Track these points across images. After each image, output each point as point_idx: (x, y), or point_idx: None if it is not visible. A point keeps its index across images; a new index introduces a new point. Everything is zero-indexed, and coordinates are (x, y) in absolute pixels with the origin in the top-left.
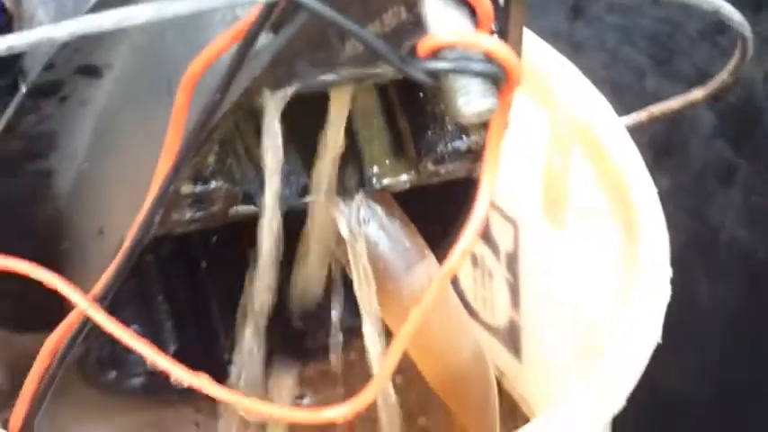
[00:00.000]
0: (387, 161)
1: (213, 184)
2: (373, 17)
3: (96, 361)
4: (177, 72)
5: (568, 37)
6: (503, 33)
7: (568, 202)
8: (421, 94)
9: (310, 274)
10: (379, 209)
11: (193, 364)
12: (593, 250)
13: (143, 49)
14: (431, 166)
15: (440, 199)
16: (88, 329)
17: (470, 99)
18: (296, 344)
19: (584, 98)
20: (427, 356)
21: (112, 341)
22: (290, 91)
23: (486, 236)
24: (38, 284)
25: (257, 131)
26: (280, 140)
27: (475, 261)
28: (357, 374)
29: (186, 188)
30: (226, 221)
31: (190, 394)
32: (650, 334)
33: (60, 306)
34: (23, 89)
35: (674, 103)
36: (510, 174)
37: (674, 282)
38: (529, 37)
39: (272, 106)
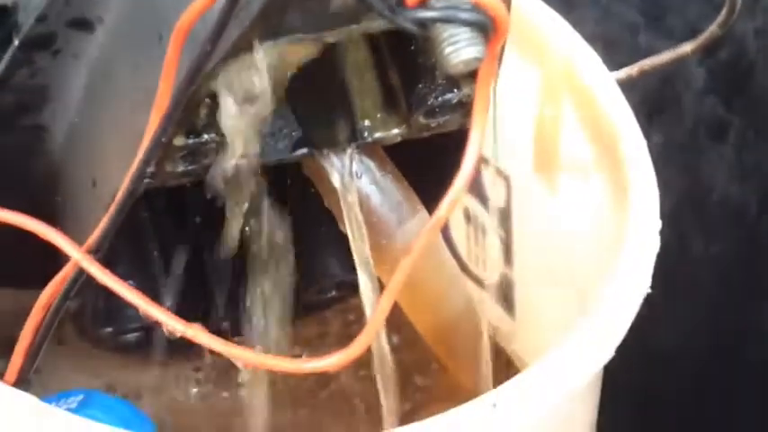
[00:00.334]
0: (378, 115)
1: (205, 137)
2: None
3: (92, 316)
4: (168, 24)
5: None
6: None
7: (560, 157)
8: (412, 48)
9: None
10: (371, 164)
11: (188, 319)
12: (584, 203)
13: (134, 1)
14: (422, 120)
15: (432, 153)
16: (82, 282)
17: (457, 48)
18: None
19: (576, 53)
20: (419, 309)
21: (108, 296)
22: (280, 43)
23: (478, 192)
24: (33, 239)
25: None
26: (269, 93)
27: (468, 217)
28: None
29: (178, 141)
30: None
31: (188, 352)
32: (640, 284)
33: (55, 263)
34: (16, 42)
35: (664, 56)
36: (502, 130)
37: (667, 237)
38: None
39: (263, 58)
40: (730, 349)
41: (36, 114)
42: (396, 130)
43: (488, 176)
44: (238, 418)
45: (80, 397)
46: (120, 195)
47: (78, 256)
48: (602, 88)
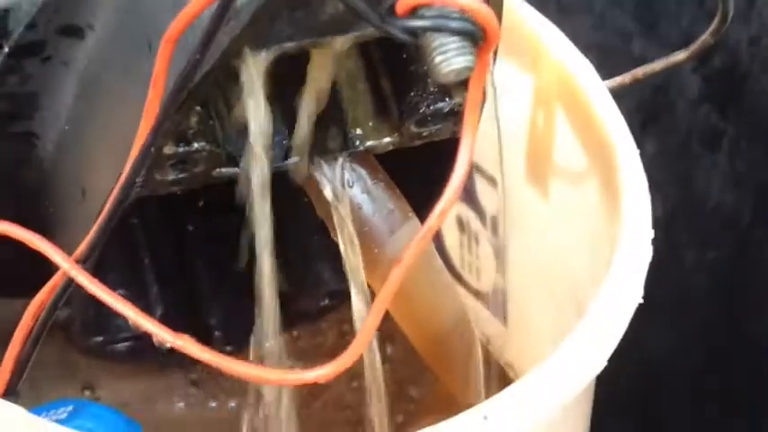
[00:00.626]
0: (370, 123)
1: (196, 145)
2: None
3: (82, 325)
4: (158, 32)
5: (556, 0)
6: None
7: (552, 165)
8: (404, 56)
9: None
10: (363, 172)
11: (179, 328)
12: (577, 211)
13: (124, 9)
14: (414, 128)
15: (424, 161)
16: (71, 291)
17: (448, 57)
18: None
19: (569, 61)
20: (411, 319)
21: (98, 305)
22: (271, 52)
23: (471, 199)
24: (22, 247)
25: (240, 93)
26: (262, 102)
27: (461, 226)
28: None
29: (169, 149)
30: (209, 183)
31: (178, 362)
32: (632, 294)
33: (45, 271)
34: (6, 49)
35: (657, 65)
36: (495, 138)
37: (660, 246)
38: (514, 0)
39: (253, 66)
40: (723, 358)
41: (26, 122)
42: (387, 139)
43: (481, 184)
44: (228, 427)
45: (70, 407)
46: (109, 204)
47: (67, 266)
48: (595, 96)
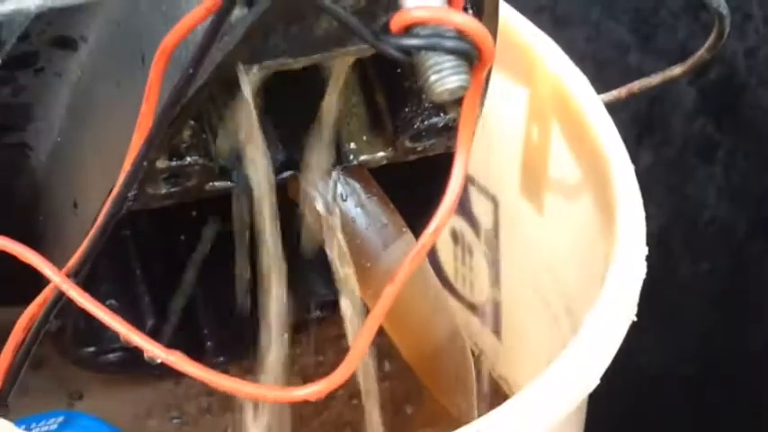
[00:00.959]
0: (364, 137)
1: (189, 159)
2: None
3: (73, 336)
4: (151, 45)
5: (551, 11)
6: (477, 9)
7: (547, 179)
8: (398, 71)
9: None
10: (356, 186)
11: (171, 339)
12: (571, 225)
13: (117, 21)
14: (408, 143)
15: (418, 175)
16: (62, 304)
17: (442, 76)
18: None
19: (564, 74)
20: (404, 335)
21: (88, 317)
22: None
23: (466, 212)
24: (14, 259)
25: (233, 107)
26: (254, 116)
27: (455, 238)
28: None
29: (161, 163)
30: (202, 196)
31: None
32: (624, 313)
33: (36, 281)
34: None
35: (653, 79)
36: (490, 151)
37: (655, 258)
38: (508, 11)
39: (247, 82)
40: (719, 370)
41: (19, 133)
42: (381, 153)
43: (475, 197)
44: None
45: (60, 418)
46: (101, 218)
47: (58, 280)
48: (589, 110)
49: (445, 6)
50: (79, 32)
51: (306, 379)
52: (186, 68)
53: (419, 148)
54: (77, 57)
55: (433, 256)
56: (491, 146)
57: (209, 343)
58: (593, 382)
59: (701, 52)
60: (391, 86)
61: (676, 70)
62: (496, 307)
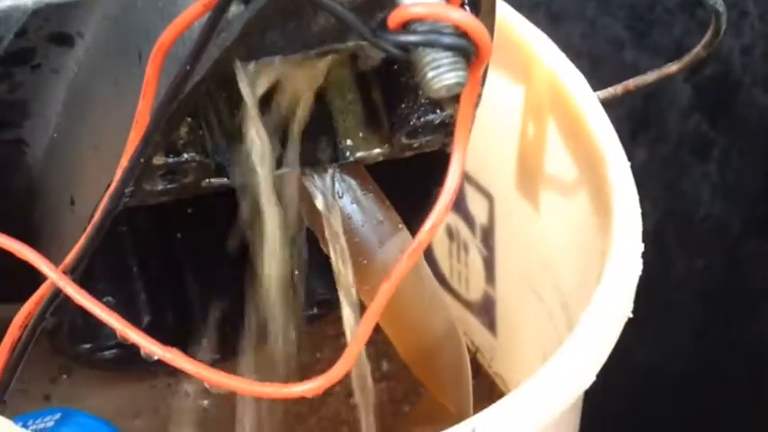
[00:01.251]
0: (360, 134)
1: (185, 156)
2: None
3: (69, 333)
4: (148, 42)
5: (547, 7)
6: (474, 5)
7: (543, 175)
8: (395, 67)
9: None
10: (353, 182)
11: (167, 336)
12: (567, 222)
13: (114, 18)
14: (404, 140)
15: (414, 172)
16: (59, 301)
17: (439, 73)
18: None
19: (560, 71)
20: (400, 332)
21: (85, 313)
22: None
23: (461, 209)
24: (9, 255)
25: (231, 104)
26: (254, 113)
27: (450, 234)
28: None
29: (158, 160)
30: (198, 193)
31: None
32: (621, 310)
33: (34, 277)
34: None
35: (649, 77)
36: (485, 147)
37: (650, 254)
38: (505, 9)
39: (244, 78)
40: (713, 366)
41: (16, 129)
42: (377, 150)
43: (471, 193)
44: None
45: (57, 416)
46: (98, 215)
47: (55, 277)
48: (586, 107)
49: (443, 3)
50: (76, 29)
51: (303, 377)
52: (183, 65)
53: (415, 145)
54: (74, 53)
55: (428, 252)
56: (487, 142)
57: (205, 340)
58: (589, 379)
59: (698, 50)
60: (387, 83)
61: (672, 67)
62: (492, 303)
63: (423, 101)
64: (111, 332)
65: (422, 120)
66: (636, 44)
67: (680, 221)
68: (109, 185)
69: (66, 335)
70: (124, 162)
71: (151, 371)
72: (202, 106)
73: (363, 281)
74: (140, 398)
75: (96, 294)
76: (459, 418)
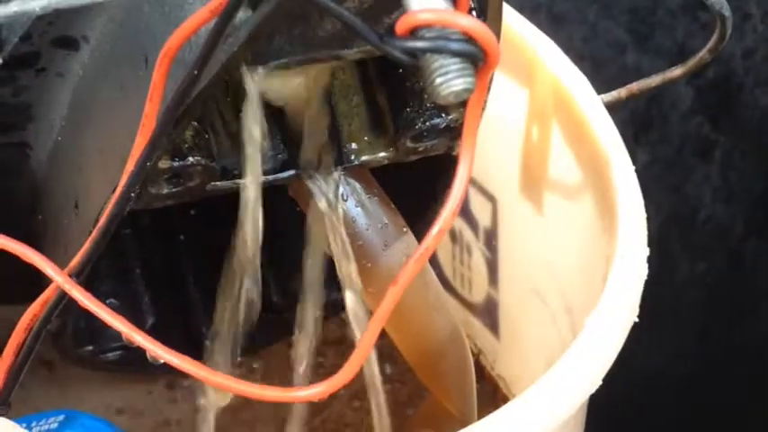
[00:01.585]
0: (365, 137)
1: (191, 160)
2: None
3: (73, 335)
4: (155, 47)
5: (548, 9)
6: (481, 11)
7: (547, 179)
8: (400, 71)
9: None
10: (357, 185)
11: (170, 338)
12: (571, 226)
13: (120, 22)
14: (409, 143)
15: (419, 175)
16: (64, 304)
17: (447, 79)
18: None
19: (564, 74)
20: (404, 335)
21: (88, 316)
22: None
23: (465, 212)
24: (15, 258)
25: (236, 107)
26: (260, 117)
27: (454, 237)
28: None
29: (163, 163)
30: (203, 196)
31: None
32: (626, 314)
33: (39, 279)
34: (0, 60)
35: (652, 80)
36: (489, 150)
37: (653, 257)
38: (508, 11)
39: (251, 83)
40: (716, 368)
41: (20, 132)
42: (382, 154)
43: (474, 196)
44: None
45: (61, 417)
46: (103, 219)
47: (60, 280)
48: (590, 111)
49: (451, 9)
50: (81, 33)
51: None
52: (190, 70)
53: (420, 149)
54: (79, 57)
55: (431, 255)
56: (490, 145)
57: (208, 342)
58: (595, 384)
59: (702, 54)
60: (393, 87)
61: (677, 71)
62: (495, 306)
63: (428, 105)
64: (115, 334)
65: (427, 123)
66: (638, 47)
67: (682, 223)
68: (114, 189)
69: (70, 337)
70: (130, 166)
71: (155, 373)
72: (208, 110)
73: (368, 284)
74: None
75: (100, 296)
76: (463, 421)
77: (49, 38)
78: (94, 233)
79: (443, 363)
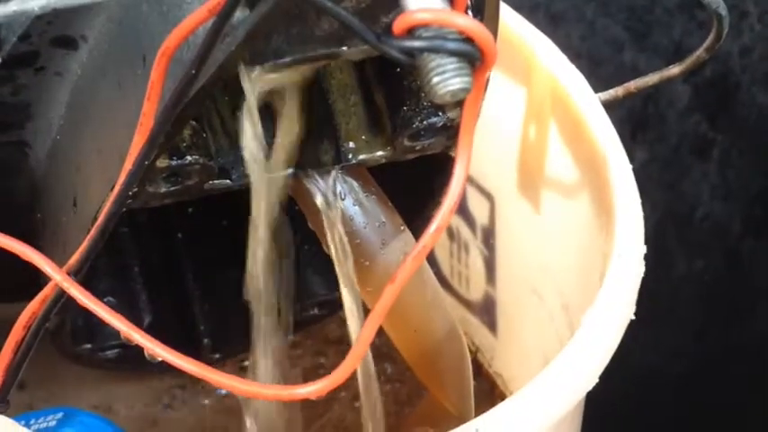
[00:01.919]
0: (363, 136)
1: (189, 159)
2: None
3: (71, 333)
4: (153, 46)
5: (546, 8)
6: (478, 10)
7: (544, 177)
8: (398, 70)
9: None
10: (355, 184)
11: (168, 336)
12: (568, 224)
13: (119, 21)
14: (407, 142)
15: (417, 174)
16: (63, 302)
17: (444, 78)
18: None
19: (561, 73)
20: (402, 332)
21: (87, 314)
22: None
23: (462, 209)
24: (13, 256)
25: (233, 106)
26: (257, 116)
27: (451, 235)
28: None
29: (162, 162)
30: (201, 195)
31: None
32: (623, 312)
33: (37, 277)
34: None
35: (650, 78)
36: (486, 148)
37: (650, 255)
38: (506, 10)
39: (249, 82)
40: (713, 366)
41: (19, 131)
42: (380, 152)
43: (472, 194)
44: None
45: (59, 415)
46: (102, 217)
47: (59, 278)
48: (587, 109)
49: (448, 9)
50: (80, 32)
51: (306, 380)
52: (188, 69)
53: (418, 148)
54: (78, 56)
55: (429, 253)
56: (488, 143)
57: (205, 340)
58: (591, 381)
59: (700, 52)
60: (390, 86)
61: (674, 70)
62: (492, 304)
63: (425, 103)
64: (113, 332)
65: (424, 122)
66: (635, 45)
67: (679, 221)
68: (112, 188)
69: (68, 335)
70: (128, 165)
71: (152, 370)
72: (206, 109)
73: (365, 282)
74: (140, 397)
75: (97, 294)
76: (461, 419)
77: (48, 37)
78: (93, 231)
79: (441, 360)
